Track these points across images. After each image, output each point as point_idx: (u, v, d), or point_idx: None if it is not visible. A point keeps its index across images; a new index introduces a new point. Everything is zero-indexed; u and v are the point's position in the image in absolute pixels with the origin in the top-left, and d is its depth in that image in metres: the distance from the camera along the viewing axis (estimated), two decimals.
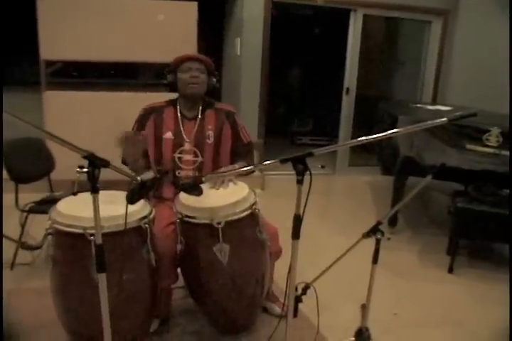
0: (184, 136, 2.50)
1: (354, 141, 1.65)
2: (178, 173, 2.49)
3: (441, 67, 6.14)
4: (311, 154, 1.57)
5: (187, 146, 2.50)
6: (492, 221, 3.27)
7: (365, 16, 5.76)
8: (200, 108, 2.55)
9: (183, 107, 2.55)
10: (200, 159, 2.51)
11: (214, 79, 2.55)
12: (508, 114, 4.08)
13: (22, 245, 3.13)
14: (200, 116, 2.54)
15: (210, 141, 2.53)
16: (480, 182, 3.52)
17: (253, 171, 2.53)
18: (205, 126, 2.53)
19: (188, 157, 2.50)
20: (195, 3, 4.56)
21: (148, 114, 2.54)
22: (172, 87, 2.53)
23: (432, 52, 6.17)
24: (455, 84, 5.99)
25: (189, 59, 2.46)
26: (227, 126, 2.58)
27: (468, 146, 3.65)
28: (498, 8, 5.22)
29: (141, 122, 2.53)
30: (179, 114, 2.53)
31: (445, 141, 3.74)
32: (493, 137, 3.59)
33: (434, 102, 6.00)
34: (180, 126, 2.52)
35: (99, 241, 1.53)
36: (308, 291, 2.20)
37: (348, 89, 5.96)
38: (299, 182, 1.58)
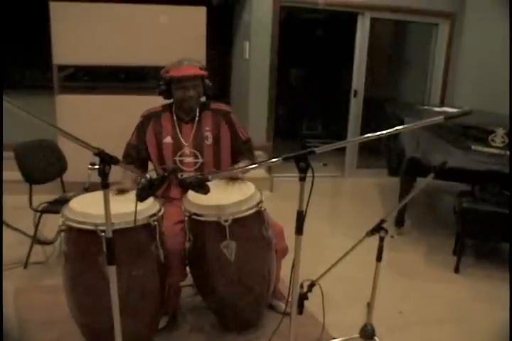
0: (182, 139, 2.56)
1: (353, 139, 1.71)
2: (181, 175, 2.54)
3: (448, 69, 6.16)
4: (312, 152, 1.62)
5: (186, 149, 2.55)
6: (497, 221, 3.28)
7: (372, 19, 5.81)
8: (198, 110, 2.60)
9: (179, 111, 2.60)
10: (200, 160, 2.57)
11: (208, 83, 2.57)
12: None
13: (35, 240, 3.21)
14: (197, 118, 2.60)
15: (209, 142, 2.58)
16: (486, 183, 3.53)
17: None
18: (202, 128, 2.58)
19: (189, 159, 2.56)
20: (204, 7, 4.63)
21: (148, 120, 2.60)
22: (166, 96, 2.57)
23: (440, 55, 6.20)
24: (463, 86, 5.99)
25: (184, 78, 2.44)
26: (224, 125, 2.62)
27: (474, 147, 3.67)
28: (505, 10, 5.22)
29: (140, 129, 2.60)
30: (175, 118, 2.59)
31: (451, 142, 3.76)
32: (499, 138, 3.62)
33: (441, 104, 6.01)
34: (177, 129, 2.58)
35: (110, 234, 1.59)
36: (315, 290, 2.25)
37: (356, 92, 5.99)
38: (302, 179, 1.64)
